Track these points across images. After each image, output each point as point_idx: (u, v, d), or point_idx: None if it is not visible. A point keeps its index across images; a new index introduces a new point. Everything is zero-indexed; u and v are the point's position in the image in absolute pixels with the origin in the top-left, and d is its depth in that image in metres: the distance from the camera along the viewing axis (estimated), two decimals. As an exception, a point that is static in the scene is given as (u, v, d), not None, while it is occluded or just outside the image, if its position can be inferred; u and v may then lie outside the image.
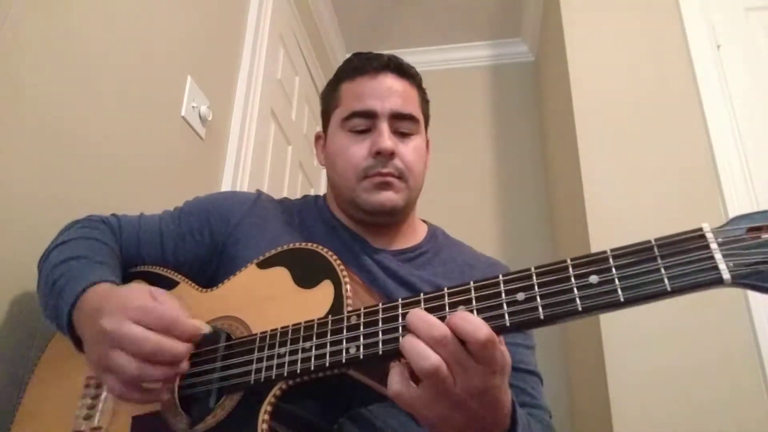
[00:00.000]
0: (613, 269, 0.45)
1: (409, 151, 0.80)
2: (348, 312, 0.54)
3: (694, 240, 0.44)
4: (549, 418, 0.75)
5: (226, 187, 1.50)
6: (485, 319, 0.47)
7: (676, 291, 0.43)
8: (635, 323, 1.45)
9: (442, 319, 0.47)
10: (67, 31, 0.93)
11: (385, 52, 0.85)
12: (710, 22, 1.77)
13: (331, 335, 0.53)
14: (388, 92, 0.80)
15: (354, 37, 2.67)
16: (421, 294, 0.51)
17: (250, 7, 1.73)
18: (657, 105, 1.70)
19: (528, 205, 2.41)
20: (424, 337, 0.46)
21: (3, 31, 0.79)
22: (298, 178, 2.15)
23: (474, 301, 0.48)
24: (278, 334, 0.56)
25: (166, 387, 0.56)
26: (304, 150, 2.20)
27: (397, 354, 0.49)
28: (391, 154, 0.78)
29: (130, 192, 1.08)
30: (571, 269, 0.46)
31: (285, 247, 0.64)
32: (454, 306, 0.49)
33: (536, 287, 0.47)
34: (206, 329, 0.58)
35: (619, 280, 0.44)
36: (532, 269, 0.48)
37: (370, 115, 0.79)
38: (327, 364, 0.51)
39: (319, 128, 0.92)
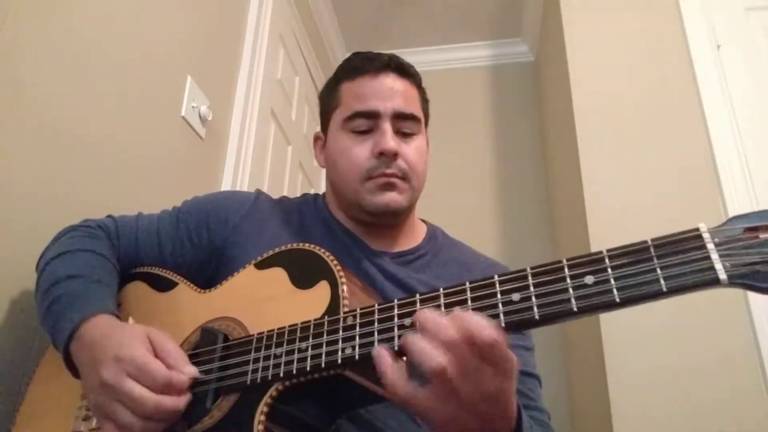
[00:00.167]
0: (609, 269, 0.45)
1: (411, 151, 0.80)
2: (344, 312, 0.54)
3: (691, 240, 0.44)
4: (548, 420, 0.75)
5: (226, 187, 1.50)
6: None
7: (672, 291, 0.43)
8: (635, 323, 1.45)
9: None
10: (67, 31, 0.93)
11: (385, 52, 0.85)
12: (710, 22, 1.77)
13: (327, 335, 0.53)
14: (390, 92, 0.79)
15: (354, 37, 2.67)
16: (417, 294, 0.51)
17: (250, 7, 1.73)
18: (657, 105, 1.70)
19: (528, 205, 2.41)
20: (435, 339, 0.45)
21: (3, 31, 0.79)
22: (298, 178, 2.15)
23: (469, 302, 0.49)
24: (275, 334, 0.56)
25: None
26: (304, 150, 2.20)
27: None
28: (395, 155, 0.77)
29: (130, 192, 1.08)
30: (566, 269, 0.46)
31: (282, 248, 0.64)
32: (449, 306, 0.49)
33: (532, 287, 0.47)
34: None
35: (615, 281, 0.44)
36: (528, 269, 0.48)
37: (373, 116, 0.78)
38: (323, 365, 0.51)
39: (318, 128, 0.91)
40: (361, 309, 0.53)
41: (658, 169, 1.62)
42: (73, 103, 0.94)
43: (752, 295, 1.43)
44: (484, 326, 0.44)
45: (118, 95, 1.06)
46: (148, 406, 0.53)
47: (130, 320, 0.69)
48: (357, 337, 0.51)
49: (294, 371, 0.53)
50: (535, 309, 0.46)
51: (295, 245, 0.64)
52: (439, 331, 0.45)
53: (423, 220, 0.92)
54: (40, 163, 0.86)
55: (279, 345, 0.55)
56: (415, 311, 0.50)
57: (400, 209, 0.79)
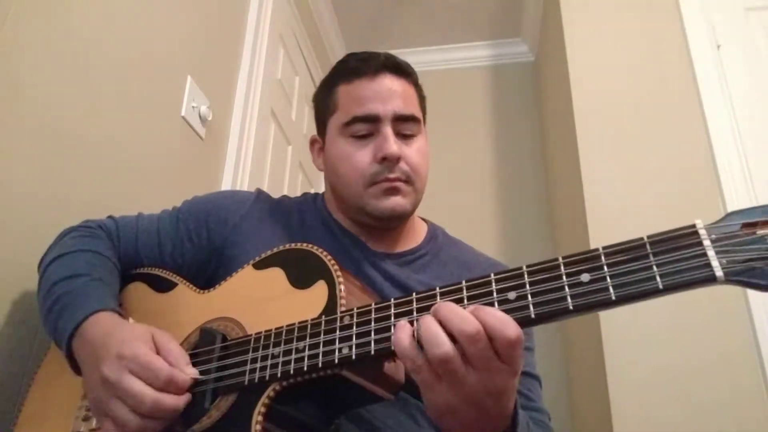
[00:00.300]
0: (605, 267, 0.45)
1: (413, 153, 0.78)
2: (341, 312, 0.54)
3: (687, 237, 0.43)
4: (548, 420, 0.74)
5: (226, 187, 1.50)
6: None
7: (668, 289, 0.43)
8: (635, 323, 1.45)
9: None
10: (67, 31, 0.93)
11: (385, 52, 0.83)
12: (710, 22, 1.76)
13: (324, 335, 0.53)
14: (388, 94, 0.78)
15: (354, 37, 2.67)
16: (413, 293, 0.51)
17: (250, 7, 1.74)
18: (657, 105, 1.70)
19: (528, 205, 2.40)
20: (454, 330, 0.45)
21: (3, 31, 0.80)
22: (298, 178, 2.15)
23: (465, 300, 0.49)
24: (272, 334, 0.56)
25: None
26: (304, 150, 2.19)
27: (389, 354, 0.50)
28: (397, 159, 0.76)
29: (130, 192, 1.09)
30: (562, 267, 0.46)
31: (280, 248, 0.64)
32: None
33: (527, 286, 0.47)
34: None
35: (611, 278, 0.44)
36: (524, 268, 0.48)
37: (373, 120, 0.77)
38: (320, 365, 0.51)
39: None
40: (357, 308, 0.53)
41: (658, 168, 1.62)
42: (73, 103, 0.94)
43: (752, 294, 1.43)
44: (509, 323, 0.44)
45: (118, 95, 1.06)
46: (147, 403, 0.53)
47: (131, 320, 0.70)
48: (354, 337, 0.51)
49: (291, 371, 0.53)
50: (531, 307, 0.46)
51: (292, 245, 0.64)
52: (452, 321, 0.45)
53: (424, 219, 0.92)
54: (40, 163, 0.86)
55: (276, 345, 0.55)
56: (412, 310, 0.50)
57: (405, 213, 0.79)
